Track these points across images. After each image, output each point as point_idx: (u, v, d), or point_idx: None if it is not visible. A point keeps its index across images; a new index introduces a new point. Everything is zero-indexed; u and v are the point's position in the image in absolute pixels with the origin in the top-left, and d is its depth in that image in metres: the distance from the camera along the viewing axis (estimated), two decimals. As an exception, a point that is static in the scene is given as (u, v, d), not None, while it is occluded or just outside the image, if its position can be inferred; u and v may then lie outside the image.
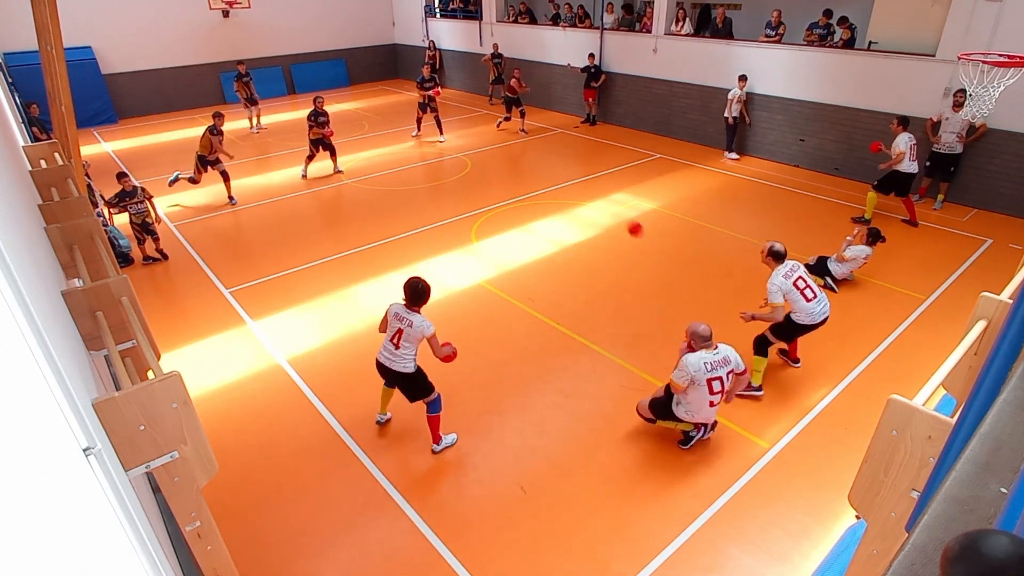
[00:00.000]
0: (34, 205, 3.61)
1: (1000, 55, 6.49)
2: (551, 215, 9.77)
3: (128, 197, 7.91)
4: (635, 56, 14.33)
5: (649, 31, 13.93)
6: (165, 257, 8.30)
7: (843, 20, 11.30)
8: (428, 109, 13.82)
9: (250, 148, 13.99)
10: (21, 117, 9.68)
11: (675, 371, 4.58)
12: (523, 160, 12.87)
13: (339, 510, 4.47)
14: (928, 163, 9.79)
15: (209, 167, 10.24)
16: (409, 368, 4.72)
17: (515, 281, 7.68)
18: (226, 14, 17.98)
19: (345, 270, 8.05)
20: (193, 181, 10.36)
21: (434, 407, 4.83)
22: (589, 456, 4.91)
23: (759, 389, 5.57)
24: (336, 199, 10.76)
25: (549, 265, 8.13)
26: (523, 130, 14.71)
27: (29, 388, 1.37)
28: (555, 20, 16.42)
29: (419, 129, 14.47)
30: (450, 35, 19.53)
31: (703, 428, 4.94)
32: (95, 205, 7.74)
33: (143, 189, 8.11)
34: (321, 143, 11.45)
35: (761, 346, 5.56)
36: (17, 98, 11.14)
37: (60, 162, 4.48)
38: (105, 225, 8.04)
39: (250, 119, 15.22)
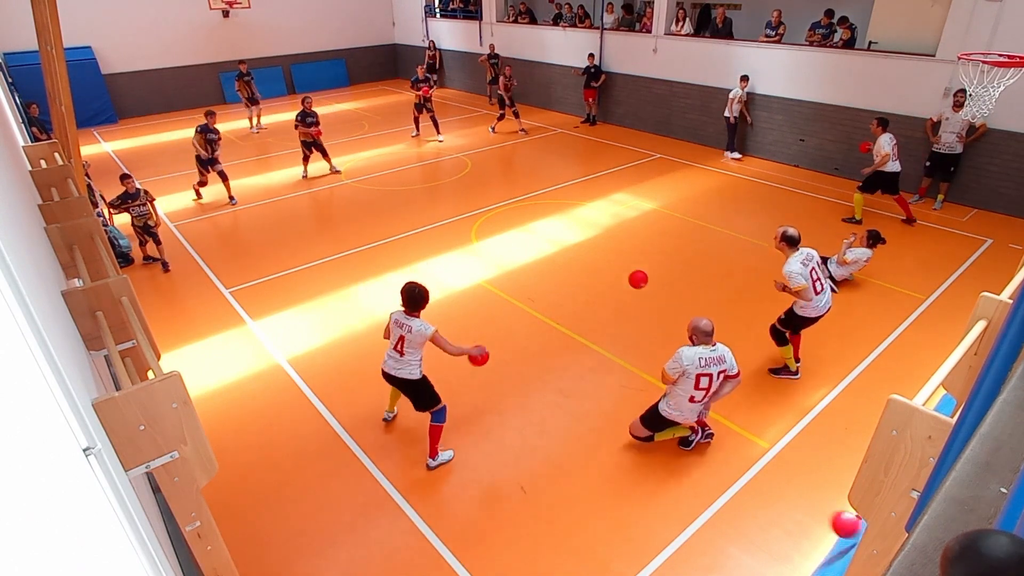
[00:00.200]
0: (34, 205, 3.61)
1: (1000, 55, 6.48)
2: (551, 215, 9.77)
3: (131, 199, 7.88)
4: (635, 56, 14.33)
5: (649, 31, 13.93)
6: (166, 268, 8.19)
7: (843, 20, 11.30)
8: (424, 109, 13.82)
9: (250, 148, 13.99)
10: (21, 117, 9.68)
11: (669, 362, 4.59)
12: (523, 160, 12.87)
13: (339, 510, 4.47)
14: (928, 163, 9.79)
15: (209, 167, 10.25)
16: (415, 375, 4.71)
17: (515, 281, 7.68)
18: (226, 14, 17.98)
19: (345, 270, 8.05)
20: (202, 184, 10.51)
21: (439, 417, 4.79)
22: (589, 456, 4.91)
23: (796, 373, 5.76)
24: (336, 199, 10.76)
25: (549, 265, 8.13)
26: (523, 130, 14.70)
27: (29, 388, 1.37)
28: (557, 20, 16.42)
29: (418, 129, 14.47)
30: (450, 35, 19.53)
31: (701, 430, 4.95)
32: (95, 205, 7.74)
33: (146, 191, 8.07)
34: (313, 144, 11.43)
35: (779, 337, 5.69)
36: (17, 98, 11.14)
37: (60, 162, 4.48)
38: (105, 225, 8.04)
39: (250, 119, 15.22)
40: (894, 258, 8.09)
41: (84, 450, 1.64)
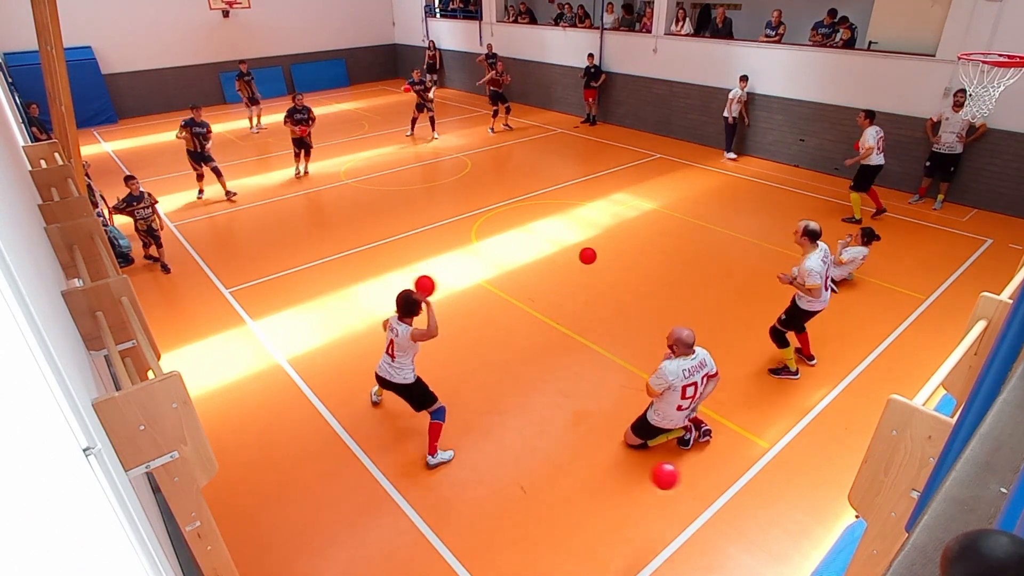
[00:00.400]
0: (34, 205, 3.61)
1: (1000, 55, 6.48)
2: (551, 215, 9.77)
3: (135, 201, 7.83)
4: (635, 56, 14.33)
5: (649, 31, 13.93)
6: (166, 270, 8.17)
7: (843, 20, 11.31)
8: (424, 109, 13.83)
9: (250, 148, 13.99)
10: (21, 117, 9.68)
11: (653, 377, 4.59)
12: (523, 160, 12.87)
13: (339, 510, 4.47)
14: (928, 163, 9.79)
15: (202, 163, 10.29)
16: (409, 379, 4.75)
17: (515, 281, 7.68)
18: (226, 14, 17.98)
19: (345, 270, 8.05)
20: (200, 177, 10.55)
21: (438, 415, 4.82)
22: (589, 456, 4.91)
23: (796, 373, 5.77)
24: (336, 199, 10.76)
25: (549, 265, 8.13)
26: (507, 124, 14.87)
27: (29, 388, 1.37)
28: (558, 21, 16.42)
29: (412, 130, 14.46)
30: (450, 35, 19.53)
31: (696, 429, 4.95)
32: (95, 205, 7.73)
33: (149, 194, 8.03)
34: (300, 141, 11.42)
35: (779, 338, 5.71)
36: (17, 98, 11.14)
37: (60, 162, 4.48)
38: (105, 225, 8.04)
39: (250, 119, 15.23)
40: (894, 258, 8.09)
41: (84, 450, 1.64)
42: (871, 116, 8.98)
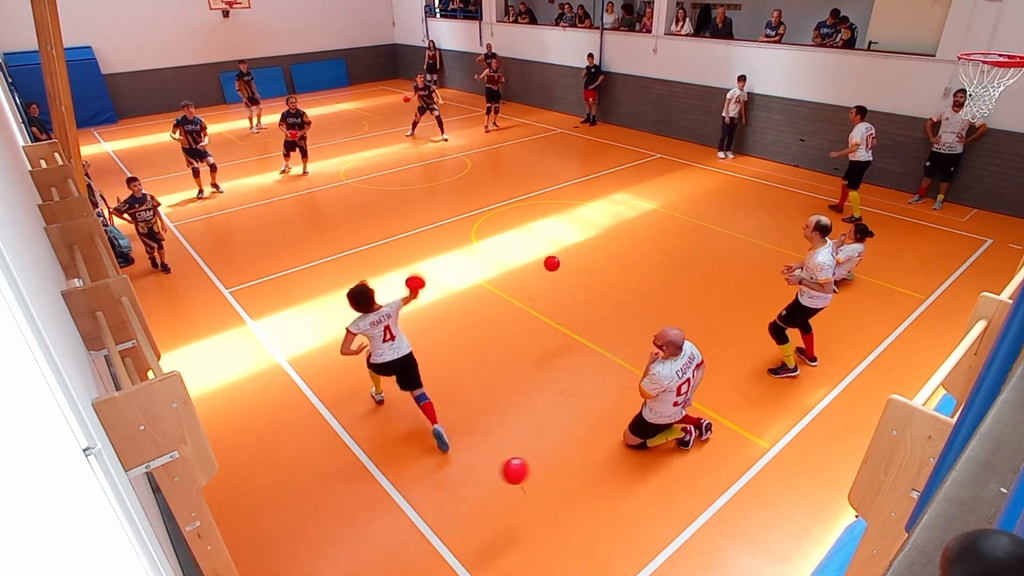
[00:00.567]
0: (34, 205, 3.61)
1: (1000, 55, 6.48)
2: (551, 215, 9.77)
3: (137, 203, 7.77)
4: (635, 56, 14.33)
5: (649, 31, 13.93)
6: (167, 271, 8.17)
7: (843, 20, 11.31)
8: (429, 110, 13.84)
9: (250, 148, 13.99)
10: (21, 117, 9.68)
11: (645, 381, 4.54)
12: (523, 160, 12.87)
13: (339, 510, 4.48)
14: (928, 163, 9.79)
15: (199, 159, 10.49)
16: (409, 347, 5.07)
17: (515, 281, 7.68)
18: (226, 14, 17.98)
19: (345, 270, 8.05)
20: (196, 173, 10.71)
21: (425, 396, 5.09)
22: (589, 456, 4.91)
23: (795, 370, 5.76)
24: (336, 199, 10.76)
25: (549, 265, 8.12)
26: (494, 124, 15.06)
27: (29, 388, 1.37)
28: (559, 20, 16.41)
29: (413, 131, 14.46)
30: (450, 35, 19.53)
31: (694, 428, 4.95)
32: (95, 205, 7.73)
33: (151, 196, 7.96)
34: (295, 144, 11.51)
35: (779, 334, 5.69)
36: (17, 98, 11.14)
37: (60, 162, 4.48)
38: (105, 225, 8.03)
39: (250, 119, 15.23)
40: (894, 258, 8.09)
41: (84, 450, 1.64)
42: (862, 112, 9.07)
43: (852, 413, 5.32)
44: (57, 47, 4.99)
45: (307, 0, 19.56)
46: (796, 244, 8.11)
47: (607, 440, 5.06)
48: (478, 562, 4.04)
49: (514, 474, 4.02)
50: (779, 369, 5.82)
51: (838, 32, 11.33)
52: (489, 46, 16.73)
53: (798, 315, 5.63)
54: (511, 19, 17.56)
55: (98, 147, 14.27)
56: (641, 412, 4.84)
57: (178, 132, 10.23)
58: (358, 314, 4.83)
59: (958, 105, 8.99)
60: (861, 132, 8.93)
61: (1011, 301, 2.25)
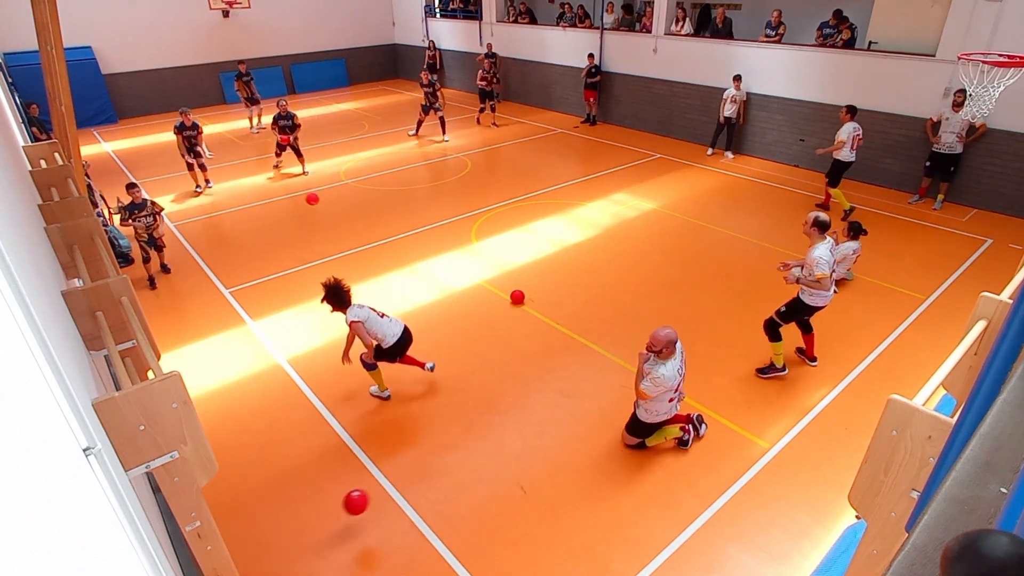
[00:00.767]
0: (34, 205, 3.61)
1: (1000, 55, 6.48)
2: (551, 215, 9.77)
3: (137, 209, 7.60)
4: (635, 56, 14.33)
5: (649, 31, 13.93)
6: (167, 270, 8.13)
7: (843, 20, 11.31)
8: (432, 110, 13.84)
9: (250, 148, 13.99)
10: (21, 117, 9.68)
11: (647, 384, 4.52)
12: (523, 160, 12.87)
13: (339, 510, 4.47)
14: (928, 163, 9.79)
15: (191, 155, 10.80)
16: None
17: (515, 281, 7.67)
18: (226, 14, 17.98)
19: (345, 270, 8.04)
20: (191, 167, 10.96)
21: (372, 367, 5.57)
22: (589, 456, 4.91)
23: (783, 369, 5.74)
24: (336, 199, 10.76)
25: (549, 265, 8.13)
26: (494, 123, 15.37)
27: (29, 388, 1.37)
28: (560, 20, 16.42)
29: (417, 131, 14.47)
30: (450, 35, 19.53)
31: (692, 426, 4.95)
32: (95, 205, 7.72)
33: (152, 202, 7.79)
34: (288, 145, 11.67)
35: (773, 331, 5.66)
36: (17, 98, 11.14)
37: (60, 162, 4.48)
38: (105, 225, 8.03)
39: (250, 119, 15.24)
40: (894, 258, 8.10)
41: (84, 450, 1.64)
42: (852, 111, 9.20)
43: (852, 413, 5.32)
44: (57, 47, 4.99)
45: (307, 0, 19.56)
46: (796, 244, 8.12)
47: (607, 440, 5.06)
48: (478, 562, 4.04)
49: (354, 505, 4.20)
50: (767, 369, 5.78)
51: (838, 32, 11.34)
52: (490, 45, 16.77)
53: (798, 312, 5.61)
54: (511, 19, 17.56)
55: (98, 147, 14.27)
56: (635, 413, 4.84)
57: (177, 138, 10.61)
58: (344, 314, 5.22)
59: (958, 105, 9.00)
60: (848, 131, 9.08)
61: (1011, 301, 2.25)
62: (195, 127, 10.59)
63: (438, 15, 20.05)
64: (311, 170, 12.06)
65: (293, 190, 11.16)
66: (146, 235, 7.75)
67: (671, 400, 4.69)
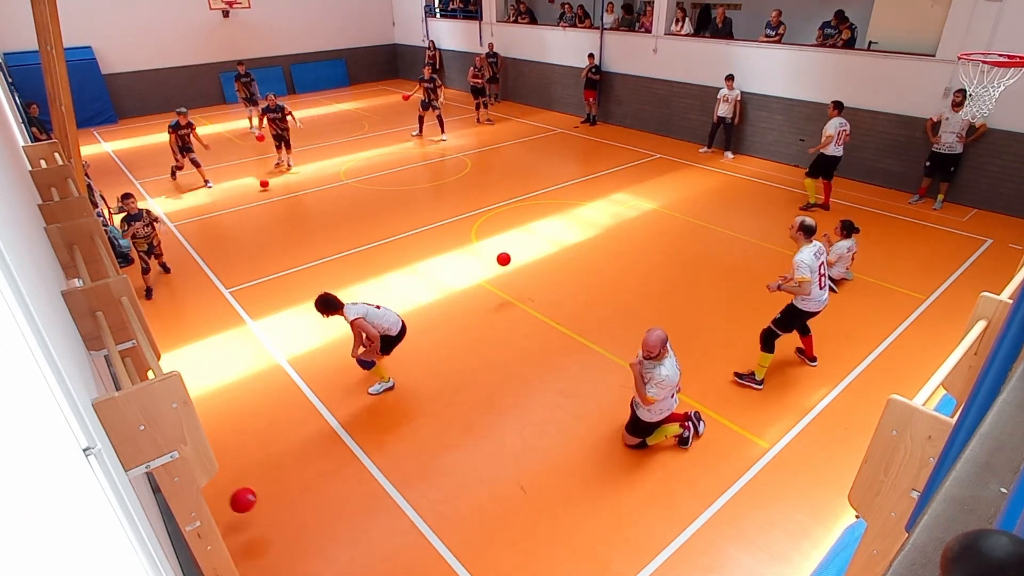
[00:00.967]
0: (34, 205, 3.61)
1: (1000, 55, 6.48)
2: (551, 215, 9.77)
3: (133, 220, 7.39)
4: (635, 56, 14.33)
5: (649, 31, 13.93)
6: (167, 270, 8.10)
7: (844, 20, 11.31)
8: (430, 107, 13.86)
9: (250, 148, 13.98)
10: (21, 117, 9.68)
11: (652, 390, 4.53)
12: (523, 160, 12.87)
13: (339, 510, 4.48)
14: (928, 163, 9.79)
15: (184, 154, 11.08)
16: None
17: (515, 281, 7.68)
18: (226, 14, 17.98)
19: (345, 270, 8.05)
20: (178, 167, 11.31)
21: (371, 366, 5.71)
22: (589, 456, 4.91)
23: (760, 383, 5.65)
24: (336, 199, 10.76)
25: (549, 265, 8.13)
26: (488, 119, 15.69)
27: (29, 388, 1.37)
28: (560, 20, 16.43)
29: (420, 130, 14.50)
30: (450, 35, 19.53)
31: (691, 424, 4.95)
32: (95, 205, 7.71)
33: (148, 212, 7.62)
34: (278, 137, 12.02)
35: (768, 341, 5.62)
36: (17, 98, 11.14)
37: (60, 162, 4.48)
38: (105, 225, 8.01)
39: (249, 119, 15.23)
40: (894, 258, 8.10)
41: (84, 450, 1.64)
42: (839, 107, 9.35)
43: (852, 413, 5.32)
44: (57, 47, 4.99)
45: (307, 0, 19.56)
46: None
47: (607, 440, 5.06)
48: (478, 562, 4.04)
49: (238, 502, 4.27)
50: (745, 376, 5.71)
51: (839, 32, 11.34)
52: (491, 45, 16.84)
53: (793, 319, 5.56)
54: (511, 19, 17.57)
55: (98, 147, 14.26)
56: (635, 413, 4.84)
57: (172, 136, 10.89)
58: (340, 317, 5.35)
59: (957, 105, 9.00)
60: (835, 126, 9.22)
61: (1011, 301, 2.25)
62: (190, 125, 10.92)
63: (438, 15, 20.05)
64: (312, 170, 12.05)
65: (293, 190, 11.16)
66: (145, 245, 7.58)
67: (672, 396, 4.73)
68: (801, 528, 4.25)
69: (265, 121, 11.94)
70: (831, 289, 7.26)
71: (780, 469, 4.75)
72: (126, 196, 7.47)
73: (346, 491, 4.65)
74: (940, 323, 6.62)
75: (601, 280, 7.67)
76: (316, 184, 11.45)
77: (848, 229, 7.20)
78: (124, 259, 8.39)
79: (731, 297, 7.19)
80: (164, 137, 14.83)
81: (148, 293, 7.68)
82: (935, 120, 9.62)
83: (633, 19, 15.73)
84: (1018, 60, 6.19)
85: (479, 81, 15.47)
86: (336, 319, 5.42)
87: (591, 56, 14.62)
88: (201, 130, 15.44)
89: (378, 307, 5.49)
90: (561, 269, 8.01)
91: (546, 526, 4.30)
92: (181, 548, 3.29)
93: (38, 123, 10.59)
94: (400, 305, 7.07)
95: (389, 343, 5.55)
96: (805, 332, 5.81)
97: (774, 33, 12.08)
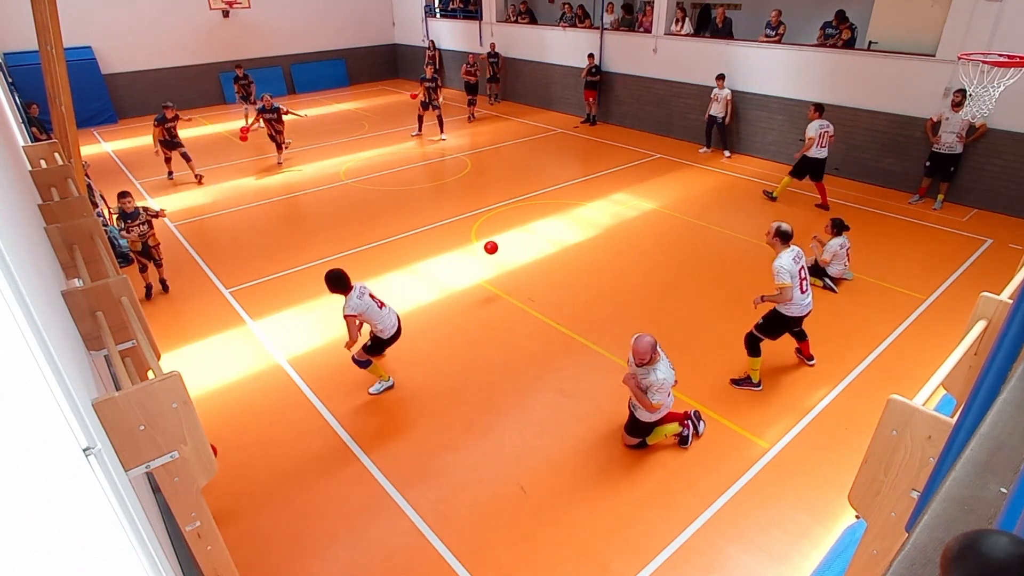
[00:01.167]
0: (34, 205, 3.61)
1: (1000, 55, 6.48)
2: (551, 215, 9.77)
3: (130, 219, 7.18)
4: (635, 56, 14.33)
5: (649, 31, 13.93)
6: (166, 289, 7.71)
7: (844, 20, 11.31)
8: (430, 107, 13.87)
9: (249, 148, 13.98)
10: (21, 117, 9.67)
11: (655, 395, 4.53)
12: (523, 160, 12.87)
13: (339, 510, 4.48)
14: (928, 163, 9.79)
15: (172, 149, 11.25)
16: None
17: (515, 281, 7.68)
18: (226, 14, 17.99)
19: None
20: (168, 160, 11.51)
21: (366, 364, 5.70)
22: (589, 456, 4.91)
23: (758, 385, 5.64)
24: (336, 199, 10.76)
25: (549, 265, 8.13)
26: (473, 115, 15.99)
27: (29, 388, 1.37)
28: (560, 20, 16.44)
29: (420, 129, 14.51)
30: (450, 35, 19.53)
31: (691, 423, 4.95)
32: (95, 205, 7.70)
33: (145, 209, 7.42)
34: (273, 139, 12.27)
35: (752, 346, 5.58)
36: (17, 98, 11.14)
37: (60, 162, 4.48)
38: (105, 225, 8.01)
39: (246, 116, 15.22)
40: (894, 258, 8.10)
41: (84, 450, 1.64)
42: (820, 110, 9.53)
43: (852, 413, 5.32)
44: (57, 47, 4.99)
45: (307, 0, 19.57)
46: (802, 245, 8.10)
47: (607, 440, 5.06)
48: (478, 562, 4.04)
49: None
50: (742, 381, 5.68)
51: (839, 32, 11.34)
52: (492, 45, 16.91)
53: (777, 325, 5.49)
54: (511, 19, 17.56)
55: (98, 147, 14.27)
56: (633, 414, 4.84)
57: (157, 129, 11.02)
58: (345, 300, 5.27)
59: (957, 105, 9.00)
60: (815, 128, 9.34)
61: (1011, 301, 2.25)
62: (176, 118, 11.11)
63: (438, 15, 20.05)
64: (312, 170, 12.06)
65: (293, 190, 11.17)
66: (140, 244, 7.40)
67: (668, 394, 4.72)
68: (801, 528, 4.25)
69: (260, 122, 12.04)
70: (831, 289, 7.27)
71: (780, 469, 4.75)
72: (123, 195, 7.23)
73: (346, 491, 4.64)
74: (940, 323, 6.62)
75: (601, 280, 7.67)
76: (316, 184, 11.45)
77: (838, 227, 7.20)
78: (124, 259, 8.39)
79: (731, 297, 7.19)
80: (164, 137, 14.87)
81: (148, 292, 7.63)
82: (935, 120, 9.62)
83: (633, 19, 15.72)
84: (1018, 60, 6.19)
85: (472, 79, 15.71)
86: (337, 317, 5.41)
87: (591, 56, 14.62)
88: (201, 130, 15.54)
89: (382, 305, 5.45)
90: (561, 269, 8.01)
91: (546, 526, 4.30)
92: (181, 548, 3.29)
93: (38, 123, 10.59)
94: (400, 305, 7.07)
95: (380, 345, 5.52)
96: (801, 338, 5.78)
97: (774, 33, 12.08)
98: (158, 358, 2.71)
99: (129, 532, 1.84)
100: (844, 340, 6.31)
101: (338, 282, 5.24)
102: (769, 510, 4.38)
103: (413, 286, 7.63)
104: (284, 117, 12.10)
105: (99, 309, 2.91)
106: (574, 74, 15.59)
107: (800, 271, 5.29)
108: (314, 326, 6.80)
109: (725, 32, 13.14)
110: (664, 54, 13.72)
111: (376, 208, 10.23)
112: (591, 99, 15.05)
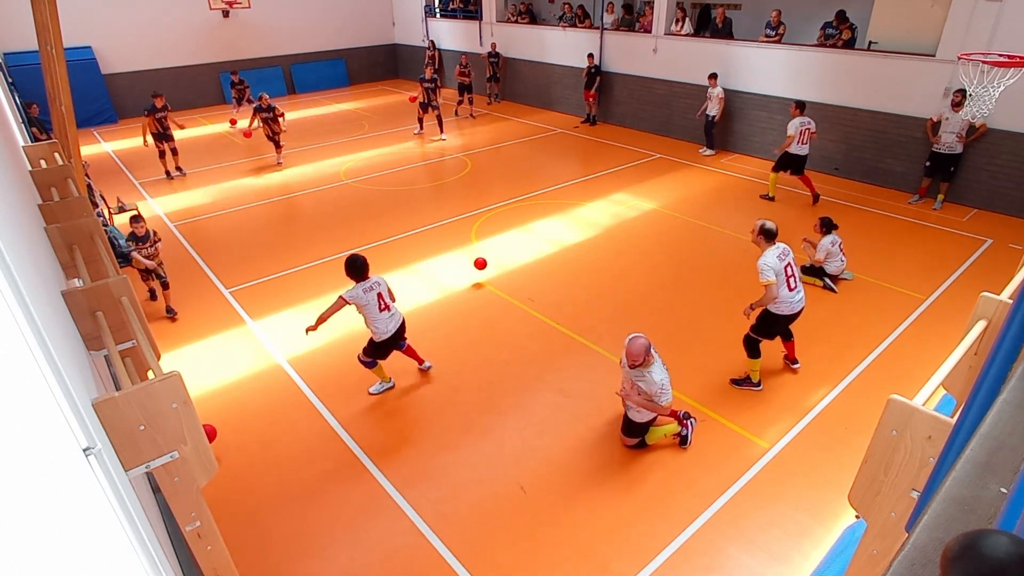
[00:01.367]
0: (34, 205, 3.61)
1: (1000, 55, 6.48)
2: (551, 215, 9.77)
3: (141, 242, 7.03)
4: (635, 56, 14.33)
5: (649, 31, 13.93)
6: (173, 316, 7.17)
7: (844, 20, 11.31)
8: (429, 107, 13.88)
9: (249, 148, 13.98)
10: (21, 117, 9.67)
11: (661, 398, 4.54)
12: (523, 160, 12.87)
13: (339, 510, 4.48)
14: (928, 163, 9.79)
15: (165, 142, 11.34)
16: (402, 315, 5.59)
17: (515, 281, 7.68)
18: (226, 14, 17.98)
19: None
20: (162, 155, 11.55)
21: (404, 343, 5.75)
22: (589, 456, 4.91)
23: (758, 385, 5.63)
24: (336, 199, 10.76)
25: (549, 265, 8.13)
26: (471, 114, 16.20)
27: (29, 388, 1.37)
28: (560, 20, 16.46)
29: (421, 128, 14.53)
30: (450, 35, 19.53)
31: (689, 422, 4.96)
32: (95, 205, 7.70)
33: (154, 232, 7.21)
34: (271, 138, 12.36)
35: (751, 348, 5.57)
36: (17, 98, 11.14)
37: (60, 162, 4.48)
38: (105, 225, 8.00)
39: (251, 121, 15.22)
40: (894, 258, 8.09)
41: (84, 450, 1.64)
42: (801, 107, 9.64)
43: (852, 413, 5.32)
44: (57, 47, 4.99)
45: (307, 0, 19.56)
46: (795, 244, 8.10)
47: (607, 440, 5.06)
48: (478, 562, 4.04)
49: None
50: (742, 381, 5.68)
51: (839, 32, 11.34)
52: (493, 45, 16.95)
53: (771, 324, 5.49)
54: (511, 19, 17.56)
55: (98, 147, 14.26)
56: (627, 414, 4.84)
57: (148, 120, 11.06)
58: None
59: (957, 105, 9.00)
60: (795, 125, 9.45)
61: (1011, 301, 2.25)
62: (166, 108, 11.14)
63: (438, 15, 20.05)
64: (312, 170, 12.06)
65: (293, 190, 11.16)
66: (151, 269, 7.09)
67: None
68: (801, 528, 4.25)
69: (258, 120, 12.08)
70: (831, 289, 7.26)
71: (780, 469, 4.75)
72: (135, 219, 6.99)
73: (346, 491, 4.65)
74: (940, 323, 6.62)
75: (601, 280, 7.67)
76: (316, 184, 11.45)
77: (827, 226, 7.21)
78: (124, 259, 8.38)
79: (731, 297, 7.19)
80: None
81: (152, 294, 7.62)
82: (935, 120, 9.62)
83: (633, 19, 15.73)
84: (1018, 60, 6.19)
85: (466, 79, 15.88)
86: (338, 316, 5.41)
87: (591, 56, 14.62)
88: (201, 130, 15.54)
89: (384, 308, 5.33)
90: (561, 269, 8.01)
91: (546, 526, 4.30)
92: (181, 548, 3.29)
93: (38, 123, 10.58)
94: (400, 305, 7.07)
95: (376, 347, 5.44)
96: (787, 337, 5.76)
97: (774, 33, 12.08)
98: (158, 358, 2.71)
99: (129, 532, 1.84)
100: (844, 340, 6.31)
101: (353, 267, 5.21)
102: (769, 510, 4.38)
103: (413, 286, 7.63)
104: (279, 119, 12.16)
105: (99, 309, 2.91)
106: (574, 74, 15.60)
107: (787, 268, 5.26)
108: (314, 326, 6.79)
109: (725, 32, 13.14)
110: (664, 54, 13.72)
111: (376, 208, 10.23)
112: (591, 99, 15.05)
